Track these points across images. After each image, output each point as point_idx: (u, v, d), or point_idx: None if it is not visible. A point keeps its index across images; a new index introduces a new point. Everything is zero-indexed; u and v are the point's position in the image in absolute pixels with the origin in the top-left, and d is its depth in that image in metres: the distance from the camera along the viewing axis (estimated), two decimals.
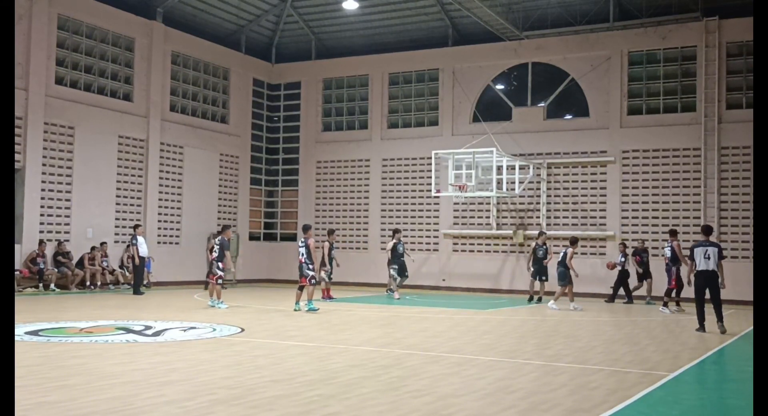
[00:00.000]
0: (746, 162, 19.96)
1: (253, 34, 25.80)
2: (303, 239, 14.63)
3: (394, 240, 19.12)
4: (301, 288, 14.61)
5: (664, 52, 21.28)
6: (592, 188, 21.75)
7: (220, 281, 15.06)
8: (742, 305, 16.81)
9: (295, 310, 14.39)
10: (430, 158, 21.60)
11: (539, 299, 18.25)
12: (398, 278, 18.82)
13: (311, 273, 14.39)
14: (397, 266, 18.78)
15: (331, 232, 18.64)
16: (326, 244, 17.91)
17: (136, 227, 18.96)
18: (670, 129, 20.91)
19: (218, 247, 15.09)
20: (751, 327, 13.20)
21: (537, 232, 19.66)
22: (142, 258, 18.51)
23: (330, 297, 17.59)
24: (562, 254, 16.66)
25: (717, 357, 9.59)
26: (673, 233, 16.75)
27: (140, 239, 18.46)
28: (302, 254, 14.48)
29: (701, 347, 10.17)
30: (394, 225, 23.51)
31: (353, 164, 25.17)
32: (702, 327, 12.03)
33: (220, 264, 15.01)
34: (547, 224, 22.06)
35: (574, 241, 17.01)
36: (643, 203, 21.07)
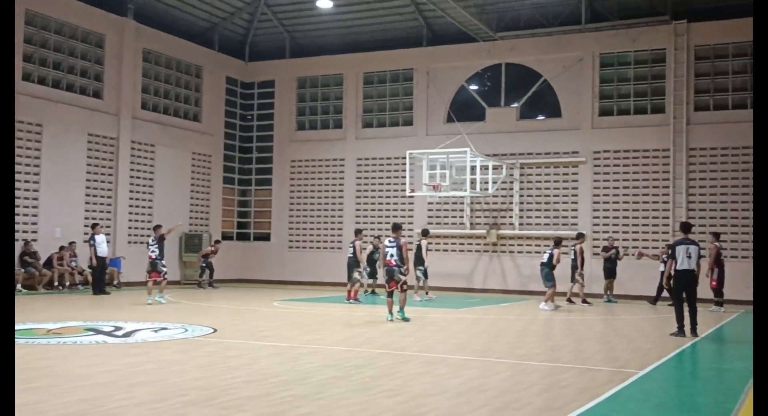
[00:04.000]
0: (713, 164, 20.35)
1: (226, 32, 25.60)
2: (392, 239, 12.99)
3: (426, 241, 18.64)
4: (390, 295, 12.91)
5: (635, 54, 21.57)
6: (564, 188, 21.97)
7: (167, 276, 16.09)
8: (705, 303, 17.03)
9: (389, 320, 12.65)
10: (405, 157, 21.62)
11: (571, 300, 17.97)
12: (423, 280, 18.53)
13: (403, 277, 12.82)
14: (423, 268, 18.37)
15: (358, 232, 18.52)
16: (358, 243, 17.76)
17: (93, 225, 18.66)
18: (640, 130, 21.20)
19: (156, 245, 15.86)
20: (716, 326, 13.47)
21: (576, 234, 18.92)
22: (101, 258, 18.25)
23: (356, 299, 17.35)
24: (548, 255, 16.61)
25: (684, 355, 9.75)
26: (716, 236, 16.76)
27: (98, 238, 18.18)
28: (392, 256, 12.81)
29: (670, 345, 10.32)
30: (367, 225, 23.52)
31: (328, 163, 25.11)
32: (681, 331, 11.21)
33: (163, 261, 16.04)
34: (520, 224, 22.24)
35: (558, 241, 16.80)
36: (613, 202, 21.34)
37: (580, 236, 18.34)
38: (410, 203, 23.52)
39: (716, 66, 20.67)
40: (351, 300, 17.24)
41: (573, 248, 18.23)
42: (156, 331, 10.88)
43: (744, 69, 20.40)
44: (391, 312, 12.83)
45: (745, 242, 19.73)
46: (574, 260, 17.89)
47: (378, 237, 20.00)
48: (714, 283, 16.39)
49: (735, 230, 19.88)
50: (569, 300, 17.93)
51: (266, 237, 26.05)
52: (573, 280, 17.92)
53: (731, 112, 20.38)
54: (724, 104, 20.56)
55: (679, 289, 11.44)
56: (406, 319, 12.66)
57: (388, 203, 24.05)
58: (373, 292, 19.52)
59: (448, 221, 23.35)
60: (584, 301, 17.74)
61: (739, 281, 18.55)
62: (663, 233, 20.46)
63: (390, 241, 13.03)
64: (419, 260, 18.26)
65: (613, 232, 20.94)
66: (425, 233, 19.05)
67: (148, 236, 22.36)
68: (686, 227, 12.00)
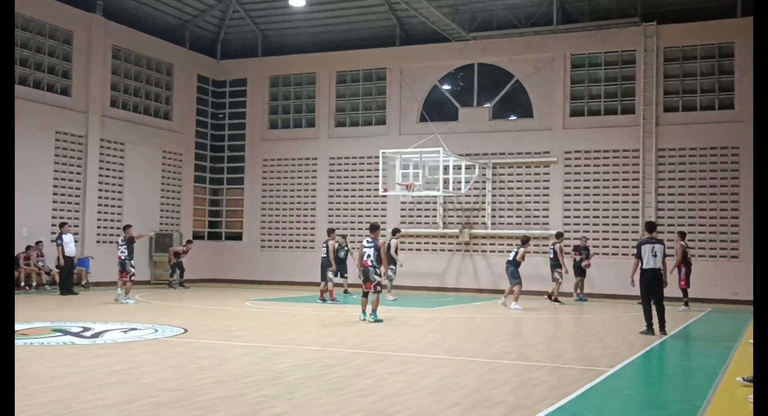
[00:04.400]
0: (681, 164, 20.69)
1: (197, 30, 25.35)
2: (370, 240, 12.92)
3: (396, 240, 18.51)
4: (365, 295, 12.87)
5: (605, 55, 21.83)
6: (535, 188, 22.15)
7: (134, 278, 16.39)
8: (672, 301, 17.35)
9: (362, 320, 12.69)
10: (378, 157, 21.60)
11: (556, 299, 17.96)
12: (393, 278, 18.49)
13: (378, 278, 12.73)
14: (395, 267, 18.26)
15: (331, 231, 18.33)
16: (331, 243, 17.61)
17: (62, 225, 18.38)
18: (611, 131, 21.46)
19: (125, 246, 16.12)
20: (684, 325, 13.70)
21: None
22: (69, 258, 17.98)
23: (333, 299, 17.23)
24: (513, 253, 16.71)
25: (654, 353, 9.89)
26: (682, 235, 17.03)
27: (66, 237, 17.91)
28: (369, 257, 12.73)
29: (639, 344, 10.47)
30: (347, 224, 23.47)
31: (300, 162, 25.01)
32: (650, 329, 11.37)
33: (132, 262, 16.26)
34: (492, 223, 22.38)
35: (525, 240, 16.92)
36: (584, 202, 21.59)
37: (560, 236, 18.53)
38: (383, 203, 23.52)
39: (685, 68, 21.02)
40: (329, 300, 17.18)
41: (552, 247, 18.39)
42: (125, 332, 10.74)
43: (712, 71, 20.78)
44: (364, 312, 12.81)
45: (713, 241, 20.10)
46: (553, 259, 18.06)
47: (344, 236, 19.89)
48: (683, 283, 16.65)
49: (703, 230, 20.23)
50: (548, 297, 18.14)
51: (238, 237, 25.86)
52: (553, 279, 18.10)
53: (699, 113, 20.74)
54: (693, 105, 20.92)
55: (646, 288, 11.51)
56: (378, 321, 12.60)
57: (361, 203, 24.03)
58: (345, 291, 19.49)
59: (420, 220, 23.41)
60: (555, 300, 17.91)
61: (706, 280, 18.93)
62: (633, 232, 20.75)
63: (368, 241, 12.95)
64: (390, 260, 18.26)
65: (584, 231, 21.17)
66: (395, 232, 19.05)
67: (118, 235, 22.09)
68: (651, 227, 12.14)
